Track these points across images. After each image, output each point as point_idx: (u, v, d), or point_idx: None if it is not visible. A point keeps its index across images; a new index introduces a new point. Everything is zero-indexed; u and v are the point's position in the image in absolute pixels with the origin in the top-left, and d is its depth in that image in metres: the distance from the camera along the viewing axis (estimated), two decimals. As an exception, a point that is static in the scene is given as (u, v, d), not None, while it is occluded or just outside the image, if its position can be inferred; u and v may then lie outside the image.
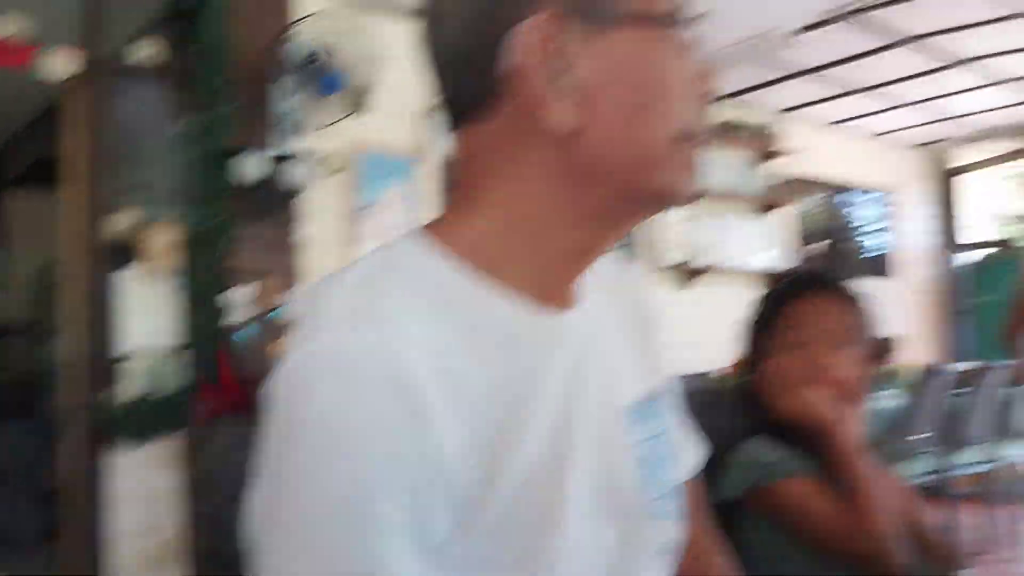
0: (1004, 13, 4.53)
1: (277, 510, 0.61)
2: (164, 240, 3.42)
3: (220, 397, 3.19)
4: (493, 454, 0.65)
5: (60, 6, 3.39)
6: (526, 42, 0.65)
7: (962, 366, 4.88)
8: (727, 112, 5.83)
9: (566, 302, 0.75)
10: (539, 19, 0.65)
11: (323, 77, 3.61)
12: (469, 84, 0.69)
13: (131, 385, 3.36)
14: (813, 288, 1.46)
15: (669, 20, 0.68)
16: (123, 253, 3.44)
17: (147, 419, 3.30)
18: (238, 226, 3.51)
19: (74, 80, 3.32)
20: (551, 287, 0.72)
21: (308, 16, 3.67)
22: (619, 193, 0.70)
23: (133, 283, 3.40)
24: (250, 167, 3.46)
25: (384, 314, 0.63)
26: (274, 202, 3.61)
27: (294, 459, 0.60)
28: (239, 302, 3.48)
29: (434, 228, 0.72)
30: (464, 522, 0.63)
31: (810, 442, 1.36)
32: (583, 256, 0.74)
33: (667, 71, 0.68)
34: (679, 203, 0.73)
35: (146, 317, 3.41)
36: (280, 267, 3.65)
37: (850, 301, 1.44)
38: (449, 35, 0.69)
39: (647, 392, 0.84)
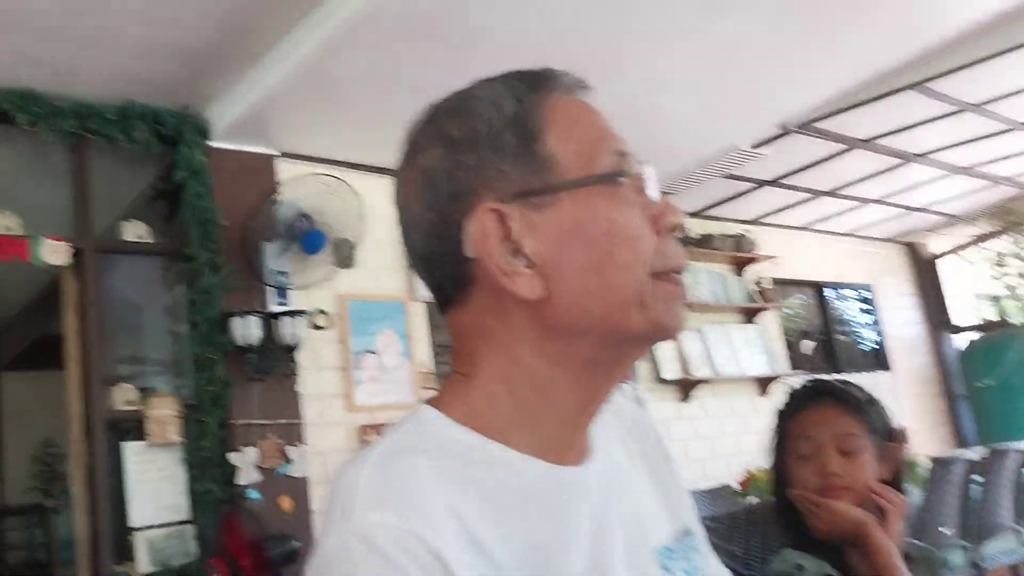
0: (949, 110, 4.79)
1: None
2: (166, 411, 3.47)
3: (233, 563, 3.16)
4: None
5: (49, 197, 3.57)
6: (473, 236, 0.72)
7: (972, 453, 4.86)
8: (703, 227, 6.03)
9: (581, 454, 0.76)
10: (480, 214, 0.72)
11: (308, 237, 3.75)
12: (445, 277, 0.76)
13: (144, 559, 3.33)
14: (817, 397, 1.52)
15: (612, 175, 0.73)
16: (126, 428, 3.47)
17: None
18: (237, 388, 3.56)
19: (68, 265, 3.44)
20: (560, 443, 0.74)
21: (291, 180, 3.85)
22: (603, 342, 0.73)
23: (139, 457, 3.42)
24: (247, 329, 3.54)
25: (405, 492, 0.66)
26: (272, 360, 3.68)
27: None
28: (244, 463, 3.50)
29: (439, 402, 0.75)
30: None
31: (838, 553, 1.41)
32: (588, 407, 0.76)
33: (618, 221, 0.72)
34: (669, 335, 0.75)
35: (154, 490, 3.41)
36: (283, 423, 3.68)
37: (855, 406, 1.49)
38: (419, 241, 0.77)
39: (676, 531, 0.84)
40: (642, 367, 5.41)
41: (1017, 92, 4.66)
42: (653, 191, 0.75)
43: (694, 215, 6.00)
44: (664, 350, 5.54)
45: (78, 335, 3.49)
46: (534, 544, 0.70)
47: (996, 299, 8.19)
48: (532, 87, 0.76)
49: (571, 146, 0.73)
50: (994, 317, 8.10)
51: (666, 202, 0.75)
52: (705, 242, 5.88)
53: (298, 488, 3.63)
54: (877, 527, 1.37)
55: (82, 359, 3.47)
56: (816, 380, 1.59)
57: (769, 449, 1.57)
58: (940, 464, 3.81)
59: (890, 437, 1.47)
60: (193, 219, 3.61)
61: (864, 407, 1.49)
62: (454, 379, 0.77)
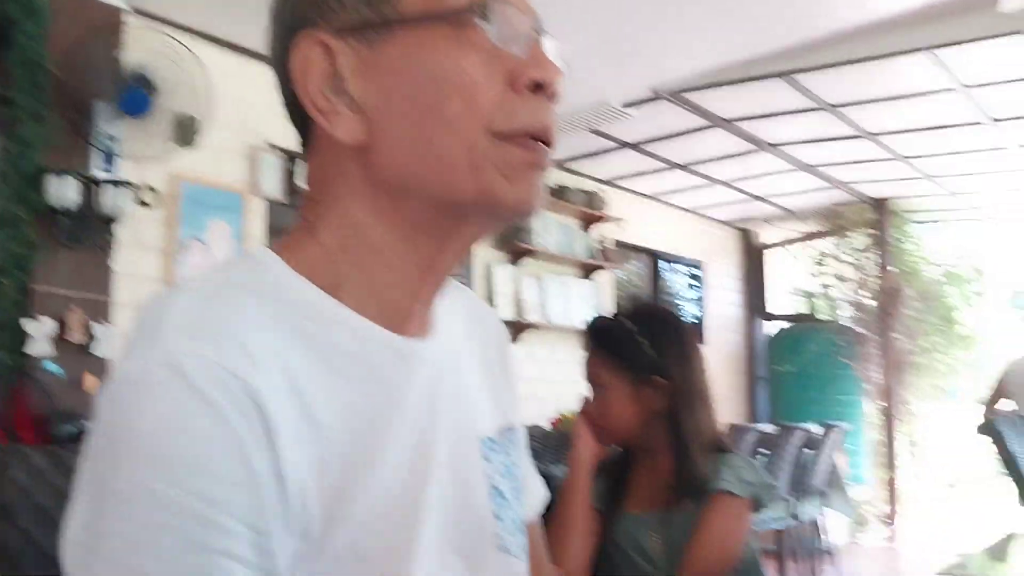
0: (809, 106, 5.01)
1: (99, 532, 0.55)
2: (-43, 263, 3.13)
3: (12, 433, 2.92)
4: (344, 481, 0.62)
5: None
6: (295, 67, 0.67)
7: (764, 427, 5.22)
8: (560, 178, 6.08)
9: (420, 330, 0.73)
10: (302, 45, 0.67)
11: (131, 96, 3.43)
12: (294, 117, 0.72)
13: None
14: (588, 336, 1.65)
15: (463, 15, 0.65)
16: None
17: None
18: (44, 252, 3.26)
19: None
20: (397, 311, 0.70)
21: (138, 39, 3.53)
22: (432, 202, 0.67)
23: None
24: (64, 191, 3.24)
25: (228, 327, 0.60)
26: (89, 229, 3.39)
27: (119, 478, 0.55)
28: (39, 333, 3.22)
29: (279, 248, 0.69)
30: (310, 549, 0.60)
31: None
32: (426, 277, 0.71)
33: (451, 67, 0.65)
34: (511, 209, 0.68)
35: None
36: (92, 298, 3.41)
37: (607, 344, 1.60)
38: (277, 81, 0.72)
39: (502, 426, 0.83)
40: (477, 303, 5.43)
41: (871, 101, 4.92)
42: (517, 44, 0.67)
43: (555, 164, 6.02)
44: (502, 292, 5.57)
45: None
46: (359, 409, 0.65)
47: (810, 295, 8.79)
48: None
49: None
50: (805, 311, 8.69)
51: (534, 55, 0.68)
52: (559, 193, 5.93)
53: (101, 367, 3.39)
54: (575, 449, 1.58)
55: None
56: (593, 319, 1.68)
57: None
58: (736, 431, 4.07)
59: (656, 371, 1.55)
60: (21, 61, 3.24)
61: (619, 344, 1.58)
62: (299, 227, 0.71)
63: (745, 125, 5.42)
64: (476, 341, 0.85)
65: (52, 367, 3.23)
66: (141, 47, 3.52)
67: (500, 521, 0.78)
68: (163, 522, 0.53)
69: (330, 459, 0.62)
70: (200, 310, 0.61)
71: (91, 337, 3.37)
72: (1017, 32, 3.91)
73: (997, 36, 3.96)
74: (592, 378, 1.61)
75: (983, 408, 5.32)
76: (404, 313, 0.71)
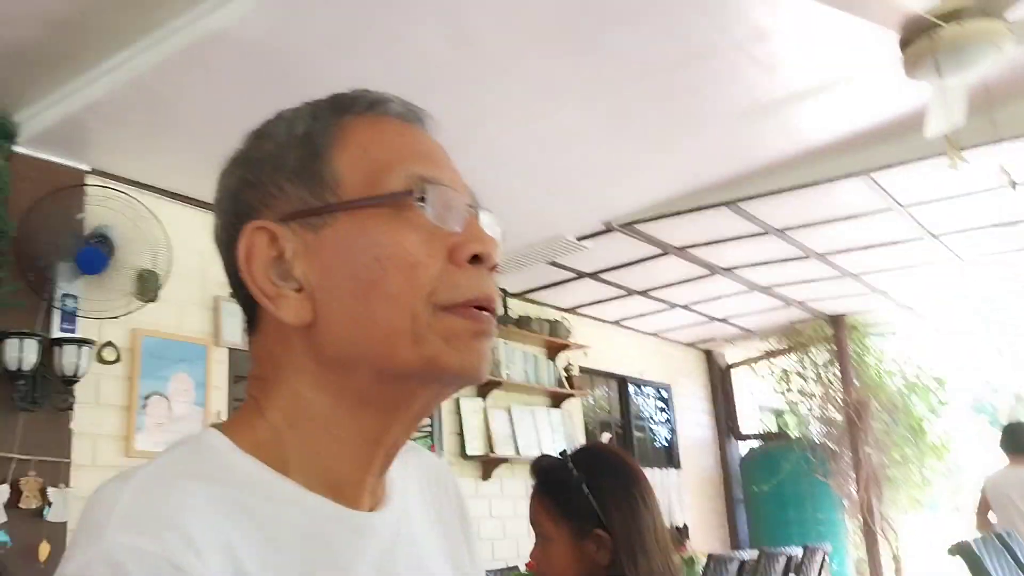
0: (755, 231, 5.19)
1: None
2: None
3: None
4: None
5: None
6: (241, 254, 0.70)
7: (746, 554, 5.12)
8: (523, 309, 6.16)
9: (373, 500, 0.73)
10: (247, 232, 0.70)
11: (85, 254, 3.45)
12: (241, 301, 0.74)
13: None
14: (534, 478, 1.59)
15: (401, 198, 0.69)
16: None
17: None
18: (3, 416, 3.21)
19: None
20: (348, 484, 0.71)
21: (98, 199, 3.60)
22: (377, 374, 0.68)
23: None
24: (23, 353, 3.22)
25: (172, 518, 0.60)
26: (47, 390, 3.35)
27: None
28: (-6, 500, 3.13)
29: (226, 428, 0.70)
30: None
31: None
32: (376, 449, 0.72)
33: (390, 246, 0.68)
34: (457, 375, 0.69)
35: None
36: (49, 460, 3.34)
37: (550, 491, 1.54)
38: (223, 263, 0.75)
39: None
40: (448, 441, 5.38)
41: (815, 223, 5.12)
42: (454, 221, 0.70)
43: (515, 295, 6.12)
44: (471, 426, 5.53)
45: None
46: None
47: (779, 413, 8.83)
48: (334, 108, 0.74)
49: (361, 165, 0.70)
50: (775, 429, 8.70)
51: (471, 230, 0.71)
52: (523, 323, 5.99)
53: (57, 534, 3.27)
54: None
55: None
56: (538, 458, 1.63)
57: None
58: (716, 561, 3.99)
59: (599, 524, 1.47)
60: (-21, 224, 3.28)
61: (561, 491, 1.53)
62: (246, 406, 0.73)
63: (697, 251, 5.58)
64: (431, 501, 0.85)
65: (1, 536, 3.12)
66: (101, 206, 3.59)
67: None
68: None
69: None
70: (144, 502, 0.61)
71: (47, 502, 3.28)
72: (943, 154, 4.13)
73: (927, 158, 4.16)
74: (535, 525, 1.54)
75: (974, 523, 5.27)
76: (355, 486, 0.71)
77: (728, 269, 5.99)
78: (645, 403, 7.82)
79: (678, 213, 4.79)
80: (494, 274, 0.72)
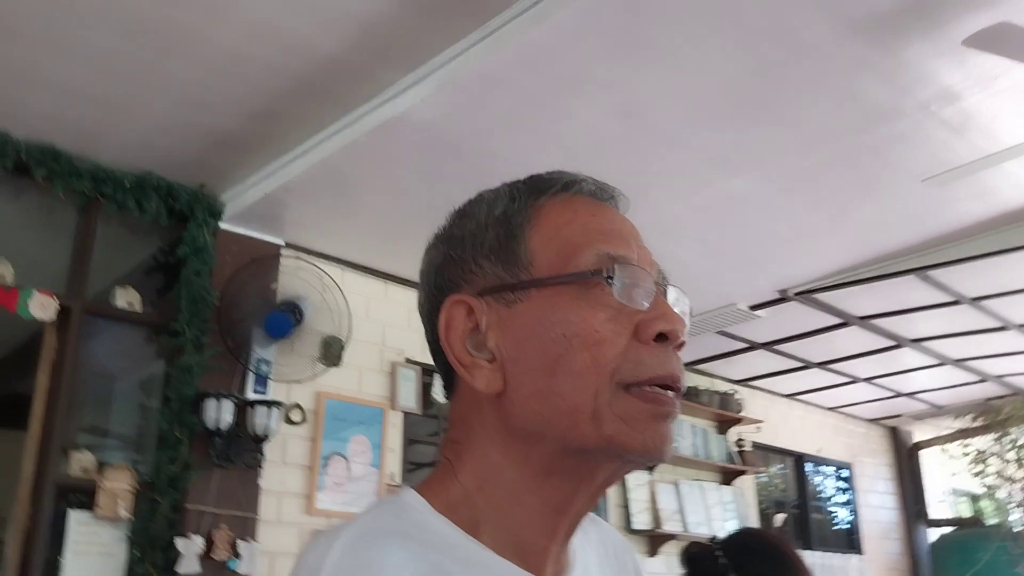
0: (946, 300, 4.86)
1: None
2: (120, 484, 3.34)
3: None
4: None
5: (48, 253, 3.56)
6: (441, 325, 0.74)
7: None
8: (692, 380, 6.02)
9: (556, 568, 0.75)
10: (448, 305, 0.74)
11: (273, 318, 3.69)
12: (439, 364, 0.78)
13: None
14: (683, 566, 1.52)
15: (590, 277, 0.71)
16: (76, 496, 3.34)
17: None
18: (198, 471, 3.45)
19: (53, 322, 3.40)
20: (533, 550, 0.72)
21: (291, 270, 3.86)
22: (560, 447, 0.70)
23: (83, 528, 3.27)
24: (220, 413, 3.46)
25: (376, 574, 0.64)
26: (240, 448, 3.58)
27: None
28: (189, 551, 3.35)
29: (423, 488, 0.74)
30: None
31: None
32: (557, 517, 0.73)
33: (576, 323, 0.69)
34: (638, 455, 0.70)
35: (91, 565, 3.25)
36: (240, 515, 3.54)
37: None
38: (426, 333, 0.80)
39: None
40: (613, 514, 5.28)
41: (1014, 292, 4.74)
42: (641, 299, 0.71)
43: (684, 366, 5.97)
44: (637, 499, 5.42)
45: (47, 394, 3.41)
46: None
47: (974, 497, 8.11)
48: (531, 190, 0.77)
49: (553, 245, 0.73)
50: (969, 515, 7.98)
51: (658, 308, 0.72)
52: (692, 395, 5.85)
53: (241, 587, 3.46)
54: None
55: (46, 419, 3.38)
56: (687, 546, 1.56)
57: None
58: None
59: None
60: (187, 295, 3.59)
61: None
62: (441, 467, 0.76)
63: (881, 322, 5.28)
64: (613, 570, 0.85)
65: (196, 586, 3.32)
66: (293, 276, 3.85)
67: None
68: None
69: None
70: (352, 559, 0.65)
71: (235, 554, 3.47)
72: None
73: None
74: None
75: None
76: (540, 554, 0.73)
77: (916, 341, 5.63)
78: (824, 482, 7.39)
79: (859, 281, 4.58)
80: (679, 352, 0.72)
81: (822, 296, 4.85)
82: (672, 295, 0.75)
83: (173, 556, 3.32)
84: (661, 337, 0.71)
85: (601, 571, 0.84)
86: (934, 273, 4.50)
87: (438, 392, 4.26)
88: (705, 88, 2.96)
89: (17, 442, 3.44)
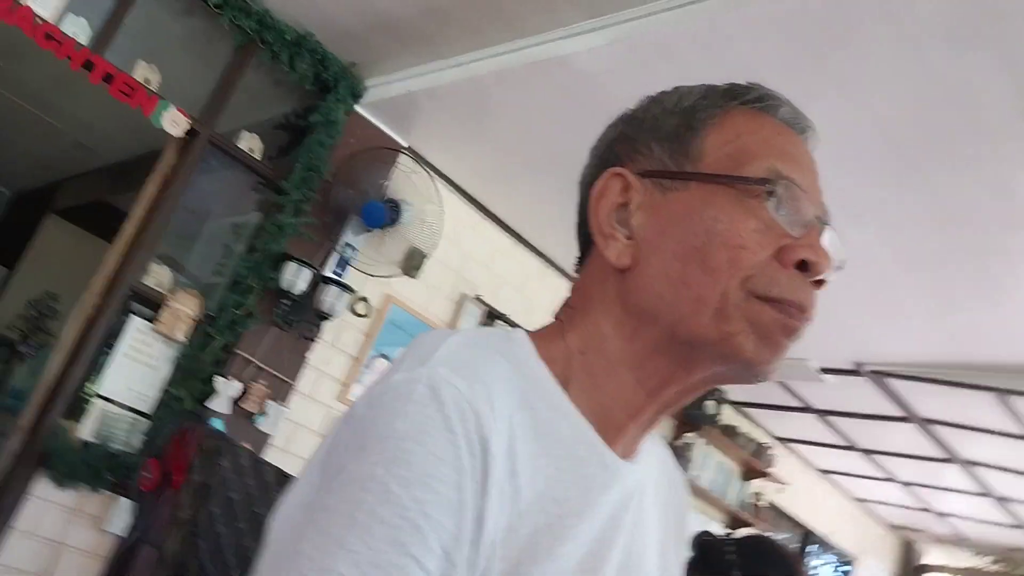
0: (1017, 432, 4.71)
1: (321, 506, 0.61)
2: (185, 309, 3.47)
3: (167, 473, 3.10)
4: (525, 555, 0.65)
5: (196, 77, 3.68)
6: (594, 192, 0.77)
7: None
8: (734, 419, 5.96)
9: (625, 452, 0.77)
10: (606, 176, 0.77)
11: (369, 207, 3.75)
12: (580, 234, 0.82)
13: (89, 427, 3.28)
14: (690, 559, 1.54)
15: (754, 185, 0.72)
16: (142, 306, 3.48)
17: (88, 465, 3.20)
18: (257, 324, 3.56)
19: (178, 141, 3.52)
20: (612, 424, 0.75)
21: (404, 170, 3.93)
22: (670, 333, 0.72)
23: (138, 335, 3.41)
24: (297, 279, 3.56)
25: (482, 375, 0.66)
26: (302, 318, 3.68)
27: (359, 466, 0.61)
28: (225, 391, 3.46)
29: (533, 335, 0.77)
30: None
31: None
32: (644, 401, 0.75)
33: (725, 224, 0.71)
34: (748, 364, 0.71)
35: (134, 371, 3.39)
36: (279, 377, 3.65)
37: (700, 572, 1.45)
38: (580, 196, 0.83)
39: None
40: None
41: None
42: (797, 225, 0.72)
43: (732, 403, 5.94)
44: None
45: (149, 204, 3.54)
46: (556, 497, 0.69)
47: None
48: (726, 94, 0.78)
49: (728, 148, 0.74)
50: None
51: (809, 238, 0.73)
52: (729, 433, 5.79)
53: (259, 441, 3.57)
54: None
55: (140, 228, 3.51)
56: (702, 532, 1.57)
57: None
58: None
59: None
60: (305, 160, 3.68)
61: (712, 571, 1.48)
62: (551, 326, 0.79)
63: (942, 431, 5.14)
64: (663, 496, 0.87)
65: (218, 424, 3.44)
66: (404, 178, 3.91)
67: None
68: (382, 514, 0.59)
69: (519, 529, 0.66)
70: (466, 353, 0.69)
71: (263, 411, 3.58)
72: None
73: None
74: None
75: None
76: (617, 428, 0.75)
77: (969, 463, 5.47)
78: (820, 568, 7.26)
79: (937, 381, 4.46)
80: (817, 289, 0.73)
81: (895, 383, 4.74)
82: (828, 237, 0.76)
83: (209, 391, 3.44)
84: (803, 266, 0.72)
85: (656, 487, 0.85)
86: (1014, 400, 4.36)
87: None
88: (859, 127, 2.88)
89: (103, 252, 3.58)
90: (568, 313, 0.79)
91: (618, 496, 0.74)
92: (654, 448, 0.85)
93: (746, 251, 0.70)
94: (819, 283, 0.73)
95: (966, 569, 7.40)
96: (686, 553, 0.91)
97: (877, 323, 4.20)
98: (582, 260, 0.82)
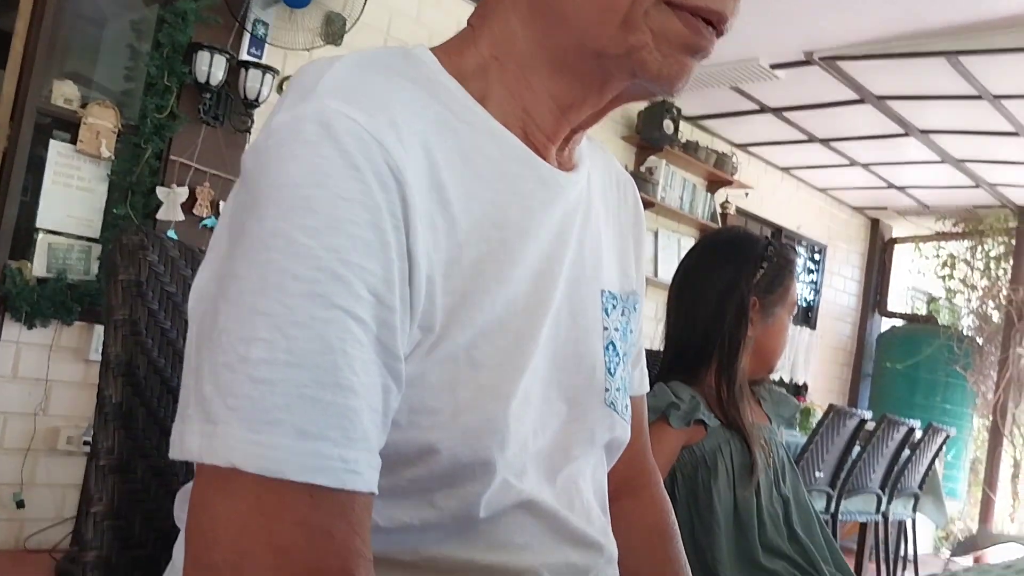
0: (969, 92, 4.69)
1: (230, 274, 0.55)
2: (104, 123, 3.28)
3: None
4: (470, 286, 0.62)
5: None
6: None
7: (867, 414, 5.00)
8: (693, 134, 5.92)
9: (564, 164, 0.73)
10: None
11: None
12: None
13: (41, 263, 3.21)
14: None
15: None
16: (57, 128, 3.28)
17: (51, 301, 3.15)
18: (184, 124, 3.38)
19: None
20: (535, 137, 0.70)
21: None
22: (578, 43, 0.66)
23: (63, 160, 3.25)
24: (212, 68, 3.34)
25: (381, 100, 0.59)
26: (229, 109, 3.50)
27: (259, 224, 0.54)
28: (171, 201, 3.36)
29: (438, 49, 0.70)
30: (427, 343, 0.60)
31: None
32: (559, 117, 0.70)
33: None
34: (653, 78, 0.65)
35: (70, 198, 3.26)
36: (223, 176, 3.53)
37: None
38: None
39: (624, 289, 0.83)
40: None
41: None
42: None
43: (688, 119, 5.87)
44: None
45: (28, 17, 3.23)
46: (496, 220, 0.64)
47: (933, 298, 8.38)
48: None
49: None
50: (924, 313, 8.30)
51: None
52: (689, 149, 5.77)
53: (217, 245, 3.52)
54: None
55: (28, 48, 3.23)
56: (736, 228, 1.70)
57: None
58: (836, 413, 3.87)
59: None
60: (186, -65, 3.32)
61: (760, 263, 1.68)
62: (462, 33, 0.72)
63: (897, 105, 5.12)
64: (612, 201, 0.84)
65: (172, 235, 3.37)
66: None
67: (610, 376, 0.77)
68: (294, 270, 0.53)
69: (460, 260, 0.62)
70: (357, 79, 0.60)
71: (215, 213, 3.50)
72: None
73: None
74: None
75: None
76: (540, 144, 0.70)
77: (925, 132, 5.50)
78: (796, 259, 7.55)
79: (889, 55, 4.37)
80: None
81: (847, 65, 4.65)
82: None
83: (154, 204, 3.33)
84: None
85: (604, 195, 0.82)
86: (965, 60, 4.30)
87: None
88: None
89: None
90: (479, 14, 0.71)
91: (561, 211, 0.71)
92: (594, 155, 0.81)
93: None
94: None
95: (933, 235, 7.71)
96: (647, 249, 0.89)
97: (820, 9, 4.04)
98: None
